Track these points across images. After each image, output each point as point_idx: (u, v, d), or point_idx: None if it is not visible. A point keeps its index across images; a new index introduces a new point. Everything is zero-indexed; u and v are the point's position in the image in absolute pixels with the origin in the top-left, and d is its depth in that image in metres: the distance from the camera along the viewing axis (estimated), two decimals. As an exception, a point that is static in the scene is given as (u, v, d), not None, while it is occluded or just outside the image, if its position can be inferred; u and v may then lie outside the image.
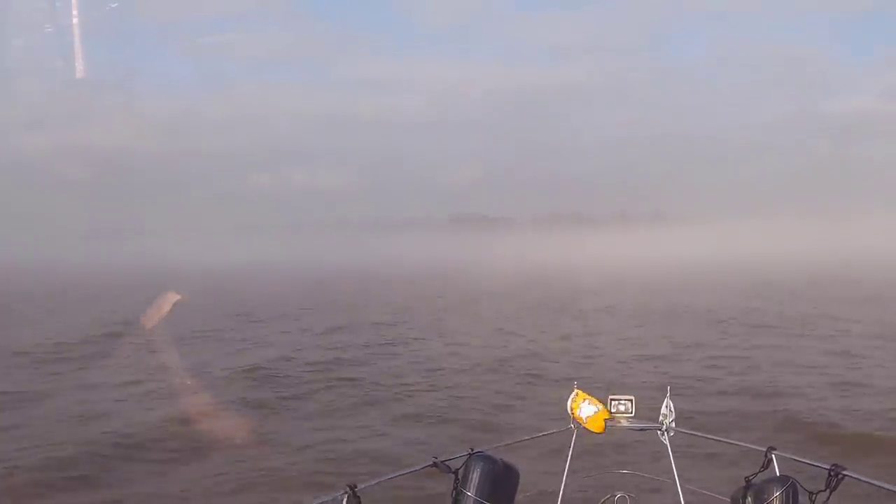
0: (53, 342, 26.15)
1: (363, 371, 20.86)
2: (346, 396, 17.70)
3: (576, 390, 5.80)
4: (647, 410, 5.80)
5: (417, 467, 5.27)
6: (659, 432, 5.63)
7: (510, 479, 5.31)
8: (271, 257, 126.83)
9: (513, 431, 12.53)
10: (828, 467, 4.59)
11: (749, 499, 4.87)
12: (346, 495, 4.54)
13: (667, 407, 5.67)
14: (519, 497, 5.37)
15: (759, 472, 5.04)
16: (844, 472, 4.53)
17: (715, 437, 6.23)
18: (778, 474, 4.94)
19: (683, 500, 5.41)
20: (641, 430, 5.75)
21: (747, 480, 4.99)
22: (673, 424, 5.62)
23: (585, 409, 5.70)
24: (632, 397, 5.74)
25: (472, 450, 5.25)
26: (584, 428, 5.73)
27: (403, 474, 5.39)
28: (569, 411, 5.77)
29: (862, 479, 4.59)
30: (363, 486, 4.64)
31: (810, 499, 4.57)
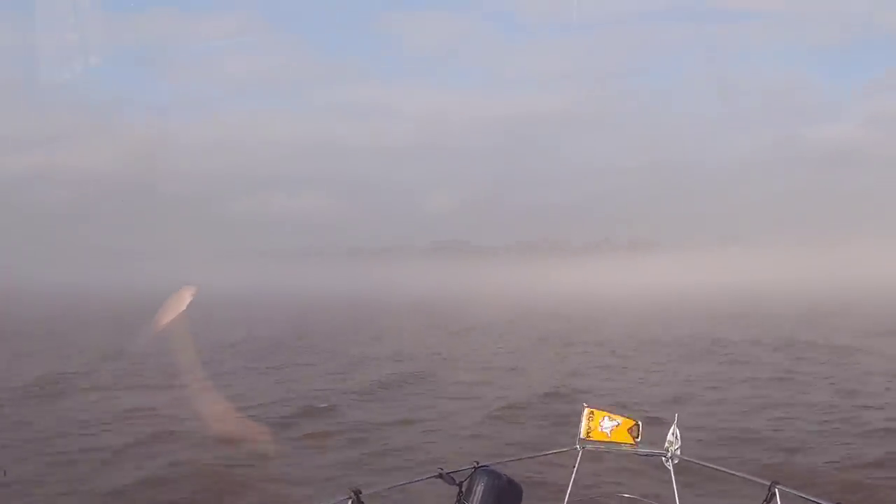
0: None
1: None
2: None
3: (587, 409, 5.80)
4: (653, 436, 5.81)
5: (423, 477, 5.26)
6: (664, 458, 5.61)
7: (513, 495, 5.28)
8: (251, 284, 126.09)
9: (519, 448, 12.42)
10: None
11: None
12: (351, 500, 4.54)
13: (673, 434, 5.63)
14: None
15: None
16: None
17: (719, 468, 6.22)
18: None
19: None
20: (647, 455, 5.75)
21: None
22: (678, 452, 5.59)
23: (607, 424, 5.70)
24: (638, 422, 5.73)
25: (478, 463, 5.24)
26: (589, 450, 5.73)
27: (408, 483, 5.37)
28: (580, 431, 5.75)
29: None
30: (368, 491, 4.64)
31: None
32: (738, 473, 5.81)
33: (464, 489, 5.11)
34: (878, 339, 34.55)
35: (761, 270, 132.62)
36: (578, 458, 5.72)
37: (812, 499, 4.93)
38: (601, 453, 5.88)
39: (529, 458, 6.58)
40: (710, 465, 6.01)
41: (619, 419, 5.70)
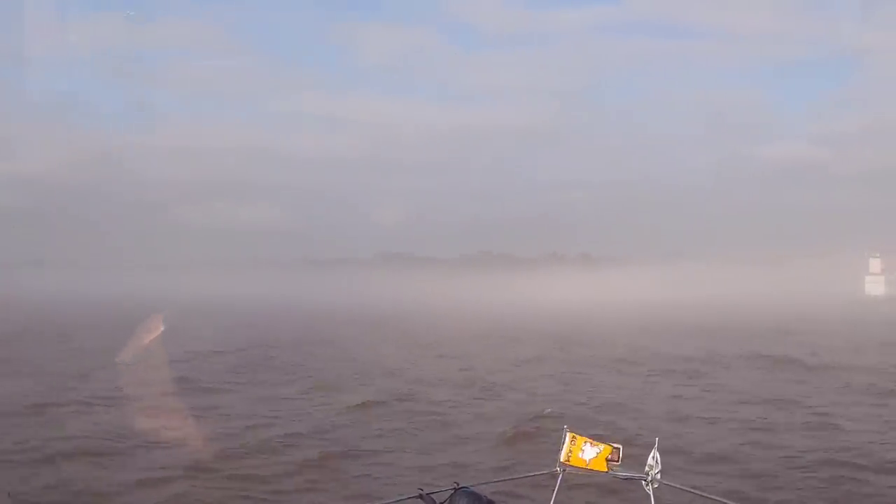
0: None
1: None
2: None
3: (569, 433, 5.78)
4: (633, 460, 5.81)
5: (403, 497, 5.23)
6: (644, 482, 5.63)
7: None
8: (198, 294, 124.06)
9: (499, 469, 12.44)
10: None
11: None
12: None
13: (653, 458, 5.67)
14: None
15: None
16: None
17: (700, 493, 6.24)
18: None
19: None
20: (627, 479, 5.75)
21: None
22: (658, 476, 5.62)
23: (588, 451, 5.68)
24: (619, 445, 5.73)
25: (458, 484, 5.23)
26: (570, 472, 5.71)
27: (388, 503, 5.30)
28: (561, 455, 5.73)
29: None
30: None
31: None
32: (718, 498, 5.84)
33: None
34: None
35: (710, 286, 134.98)
36: (559, 481, 5.70)
37: None
38: (581, 476, 5.86)
39: (510, 479, 6.55)
40: (691, 490, 6.04)
41: (601, 445, 5.72)
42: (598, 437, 5.85)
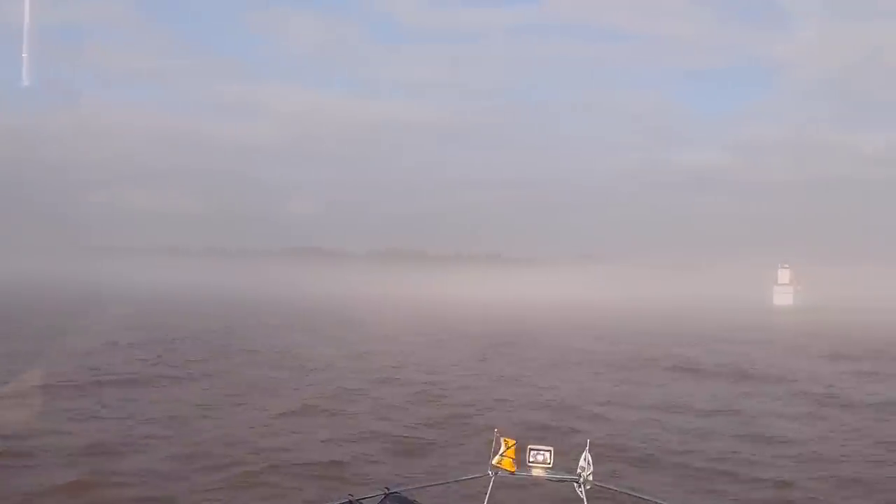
0: None
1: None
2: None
3: (499, 436, 5.75)
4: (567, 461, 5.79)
5: (333, 503, 5.10)
6: (576, 484, 5.62)
7: None
8: (94, 282, 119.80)
9: (430, 474, 12.33)
10: None
11: None
12: None
13: (585, 460, 5.69)
14: None
15: None
16: None
17: (633, 493, 6.28)
18: None
19: None
20: (559, 481, 5.73)
21: None
22: (590, 477, 5.63)
23: (520, 454, 5.69)
24: (550, 448, 5.72)
25: (388, 489, 5.14)
26: (501, 475, 5.65)
27: None
28: (493, 458, 5.68)
29: None
30: None
31: None
32: (650, 498, 5.89)
33: None
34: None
35: (620, 289, 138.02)
36: (490, 485, 5.65)
37: None
38: (513, 479, 5.80)
39: (440, 484, 6.45)
40: (623, 490, 6.07)
41: (533, 448, 5.68)
42: (529, 440, 5.83)
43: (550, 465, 5.66)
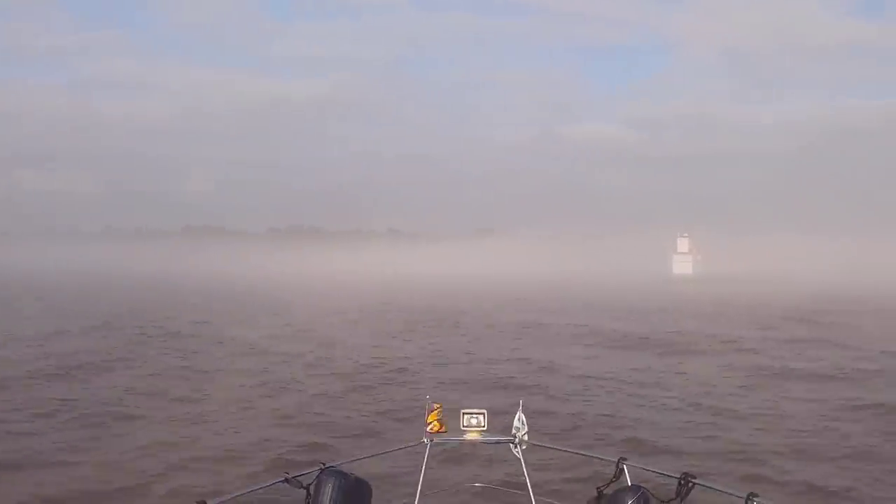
0: None
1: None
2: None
3: (432, 403, 5.74)
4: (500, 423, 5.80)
5: (268, 483, 5.10)
6: (512, 445, 5.65)
7: (363, 495, 5.17)
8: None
9: (365, 446, 12.16)
10: (678, 476, 4.78)
11: None
12: None
13: (519, 420, 5.71)
14: None
15: (611, 482, 5.17)
16: (694, 481, 4.73)
17: (567, 449, 6.34)
18: (629, 484, 5.06)
19: None
20: (495, 443, 5.74)
21: (599, 491, 5.11)
22: (525, 437, 5.66)
23: (454, 419, 5.70)
24: (484, 411, 5.71)
25: (324, 465, 5.12)
26: (437, 442, 5.62)
27: (254, 490, 5.21)
28: (427, 426, 5.65)
29: (710, 486, 4.85)
30: (213, 502, 4.48)
31: None
32: (585, 453, 5.96)
33: (311, 492, 4.98)
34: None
35: (521, 262, 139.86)
36: (427, 452, 5.62)
37: (658, 471, 5.17)
38: (450, 445, 5.78)
39: (376, 455, 6.36)
40: (558, 448, 6.12)
41: (466, 412, 5.69)
42: (462, 405, 5.81)
43: (485, 428, 5.66)
